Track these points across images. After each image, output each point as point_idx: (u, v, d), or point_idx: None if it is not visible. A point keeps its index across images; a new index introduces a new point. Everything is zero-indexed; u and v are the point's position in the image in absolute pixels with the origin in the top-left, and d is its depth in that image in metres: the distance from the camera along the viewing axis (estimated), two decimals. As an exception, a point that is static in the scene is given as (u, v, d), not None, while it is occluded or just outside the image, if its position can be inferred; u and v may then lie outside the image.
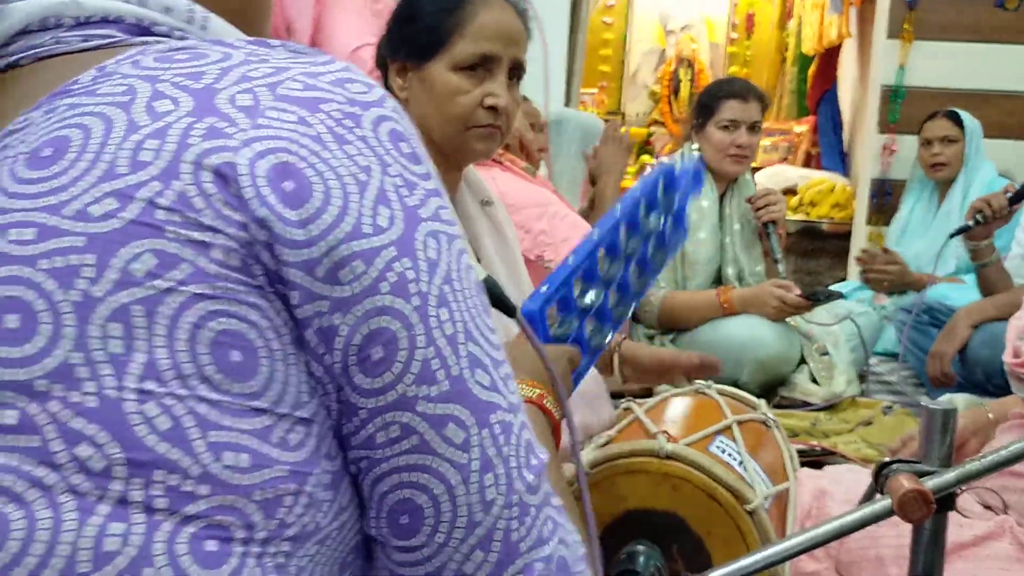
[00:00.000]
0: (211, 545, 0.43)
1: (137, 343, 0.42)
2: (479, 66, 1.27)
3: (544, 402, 0.80)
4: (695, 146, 2.59)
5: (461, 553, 0.48)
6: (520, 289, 1.36)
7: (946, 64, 3.75)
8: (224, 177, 0.43)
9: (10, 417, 0.41)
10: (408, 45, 1.28)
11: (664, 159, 5.81)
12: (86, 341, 0.42)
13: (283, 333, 0.45)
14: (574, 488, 0.77)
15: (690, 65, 6.20)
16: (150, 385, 0.42)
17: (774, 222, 2.53)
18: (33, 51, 0.49)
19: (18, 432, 0.41)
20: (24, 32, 0.50)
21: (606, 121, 2.91)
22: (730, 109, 2.55)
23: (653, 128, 6.19)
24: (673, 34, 6.27)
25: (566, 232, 1.83)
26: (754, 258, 2.63)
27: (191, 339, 0.43)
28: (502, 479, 0.48)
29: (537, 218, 1.82)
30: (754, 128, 2.58)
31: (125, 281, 0.42)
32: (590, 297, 0.92)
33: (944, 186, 3.16)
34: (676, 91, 6.20)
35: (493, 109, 1.28)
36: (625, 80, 6.27)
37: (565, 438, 0.82)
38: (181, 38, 0.51)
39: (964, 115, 3.11)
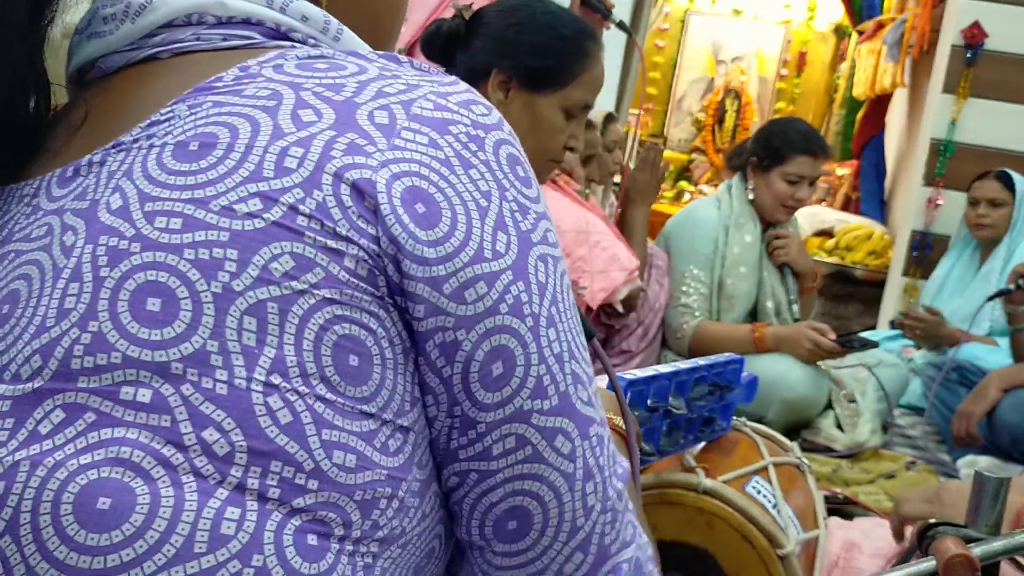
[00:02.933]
0: (312, 539, 0.44)
1: (269, 338, 0.44)
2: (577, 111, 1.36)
3: (616, 424, 0.82)
4: (750, 184, 2.54)
5: (563, 555, 0.51)
6: None
7: (999, 123, 3.72)
8: (362, 192, 0.46)
9: (143, 395, 0.43)
10: (527, 70, 1.32)
11: (703, 187, 5.81)
12: (223, 331, 0.44)
13: (396, 344, 0.47)
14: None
15: (737, 96, 6.20)
16: (276, 379, 0.44)
17: (787, 264, 2.53)
18: (174, 45, 0.51)
19: (150, 410, 0.43)
20: (168, 26, 0.51)
21: (647, 143, 2.89)
22: (801, 165, 2.49)
23: (694, 155, 6.19)
24: (724, 64, 6.28)
25: (603, 264, 1.84)
26: (793, 294, 2.62)
27: (316, 340, 0.45)
28: (599, 486, 0.52)
29: (578, 244, 1.83)
30: (814, 183, 2.55)
31: (264, 279, 0.44)
32: (667, 406, 1.00)
33: (987, 247, 3.14)
34: (721, 121, 6.20)
35: (569, 149, 1.37)
36: (671, 105, 6.28)
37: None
38: (314, 46, 0.53)
39: (1017, 177, 3.08)
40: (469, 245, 0.47)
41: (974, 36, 3.72)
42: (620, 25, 2.12)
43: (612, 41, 3.23)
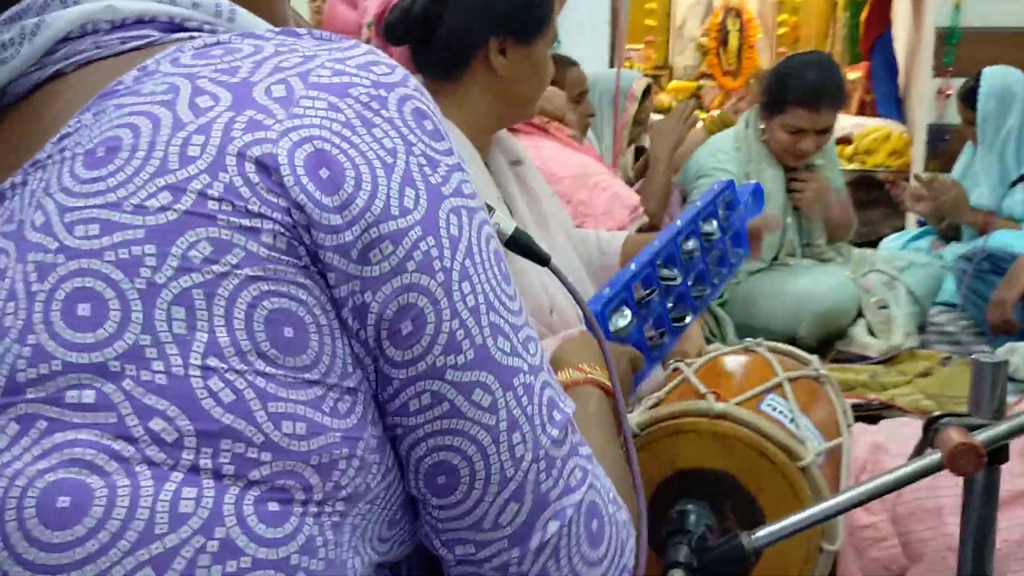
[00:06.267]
0: (274, 506, 0.46)
1: (199, 323, 0.46)
2: None
3: (597, 379, 0.81)
4: (762, 126, 2.47)
5: (496, 506, 0.52)
6: (552, 246, 1.38)
7: (1003, 4, 3.61)
8: (266, 167, 0.47)
9: (88, 396, 0.45)
10: (519, 28, 1.33)
11: (714, 112, 5.72)
12: (153, 324, 0.45)
13: (328, 310, 0.48)
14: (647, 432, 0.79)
15: (738, 15, 6.06)
16: (212, 361, 0.46)
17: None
18: (76, 57, 0.52)
19: (96, 410, 0.45)
20: (66, 39, 0.52)
21: (651, 77, 2.86)
22: (798, 117, 2.37)
23: (702, 81, 6.08)
24: (720, -17, 6.14)
25: (606, 204, 1.83)
26: (818, 230, 2.57)
27: (247, 318, 0.46)
28: (528, 436, 0.52)
29: (577, 189, 1.82)
30: (825, 131, 2.41)
31: (184, 267, 0.46)
32: (651, 302, 0.96)
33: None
34: (724, 42, 6.08)
35: None
36: (672, 33, 6.17)
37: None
38: (212, 31, 0.54)
39: (986, 81, 2.92)
40: (375, 204, 0.48)
41: (968, -85, 3.61)
42: None
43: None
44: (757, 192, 1.19)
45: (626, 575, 0.58)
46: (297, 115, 0.47)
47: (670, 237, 0.99)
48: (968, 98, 2.98)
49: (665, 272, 0.99)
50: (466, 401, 0.50)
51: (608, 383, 0.81)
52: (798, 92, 2.37)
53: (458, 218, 0.50)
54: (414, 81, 0.52)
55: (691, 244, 1.03)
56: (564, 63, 2.40)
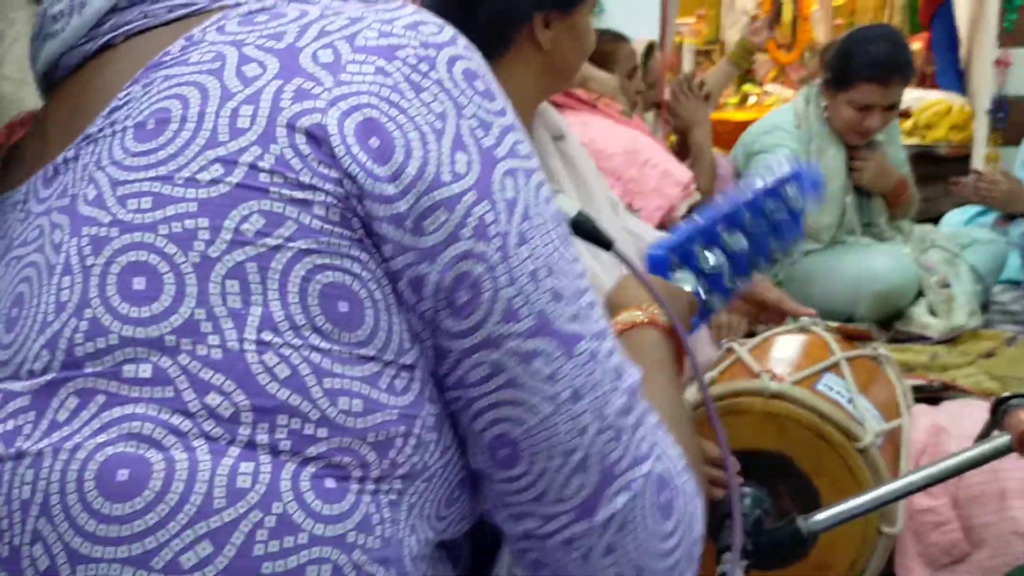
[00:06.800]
0: (330, 483, 0.46)
1: (253, 297, 0.45)
2: None
3: (658, 319, 0.76)
4: (824, 103, 2.38)
5: (561, 479, 0.50)
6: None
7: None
8: (316, 138, 0.46)
9: (144, 371, 0.45)
10: None
11: (768, 87, 5.62)
12: (207, 298, 0.45)
13: (384, 284, 0.48)
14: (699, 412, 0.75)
15: (793, -14, 5.93)
16: (267, 336, 0.45)
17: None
18: (124, 28, 0.52)
19: (153, 384, 0.45)
20: (114, 10, 0.52)
21: (703, 52, 2.79)
22: (867, 93, 2.26)
23: (755, 55, 5.97)
24: (774, -47, 6.00)
25: (656, 182, 1.79)
26: (878, 209, 2.50)
27: (302, 292, 0.46)
28: (592, 405, 0.50)
29: (628, 165, 1.78)
30: (892, 107, 2.32)
31: (238, 241, 0.45)
32: (709, 261, 0.94)
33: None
34: (778, 15, 5.95)
35: None
36: (724, 7, 6.06)
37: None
38: None
39: None
40: (427, 172, 0.46)
41: None
42: None
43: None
44: (817, 185, 1.16)
45: (697, 548, 0.56)
46: (345, 81, 0.47)
47: (738, 202, 0.96)
48: None
49: (726, 236, 0.96)
50: (526, 370, 0.49)
51: (667, 323, 0.76)
52: (866, 67, 2.28)
53: (514, 180, 0.49)
54: (464, 40, 0.51)
55: (755, 216, 1.00)
56: (613, 38, 2.35)
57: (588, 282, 0.52)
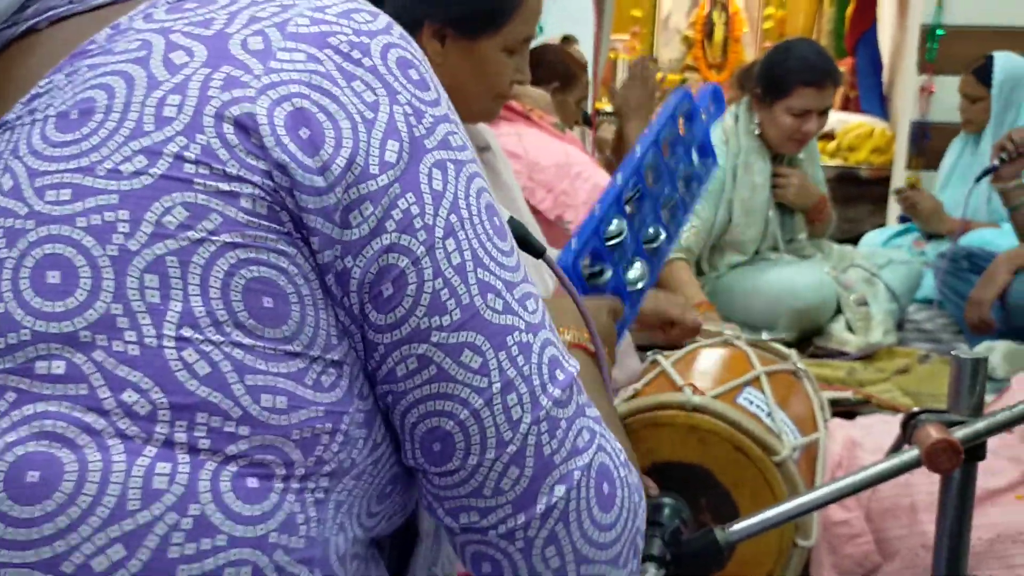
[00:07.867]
0: (252, 482, 0.45)
1: (173, 292, 0.44)
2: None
3: (581, 343, 0.77)
4: (756, 119, 2.43)
5: (496, 472, 0.50)
6: None
7: (986, 1, 3.62)
8: (245, 128, 0.45)
9: (57, 367, 0.43)
10: (460, 18, 1.23)
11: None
12: (124, 292, 0.44)
13: (311, 279, 0.47)
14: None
15: (724, 8, 6.07)
16: (187, 332, 0.44)
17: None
18: (49, 13, 0.50)
19: (66, 381, 0.43)
20: None
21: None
22: (805, 98, 2.33)
23: (687, 74, 6.08)
24: (707, -24, 6.13)
25: (587, 195, 1.81)
26: (799, 225, 2.57)
27: (224, 287, 0.44)
28: (526, 397, 0.49)
29: (560, 178, 1.80)
30: (824, 113, 2.40)
31: (159, 234, 0.44)
32: (622, 243, 0.91)
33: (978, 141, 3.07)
34: (710, 35, 6.08)
35: (517, 83, 1.29)
36: (657, 25, 6.16)
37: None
38: None
39: (997, 66, 2.94)
40: (355, 164, 0.46)
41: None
42: None
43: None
44: (717, 95, 1.11)
45: (640, 539, 0.56)
46: (275, 69, 0.46)
47: (632, 169, 0.92)
48: (981, 73, 2.96)
49: (634, 208, 0.93)
50: (454, 363, 0.48)
51: (591, 346, 0.76)
52: (803, 72, 2.35)
53: (443, 172, 0.48)
54: (399, 29, 0.50)
55: (658, 171, 0.95)
56: (581, 65, 2.43)
57: (524, 275, 0.52)
